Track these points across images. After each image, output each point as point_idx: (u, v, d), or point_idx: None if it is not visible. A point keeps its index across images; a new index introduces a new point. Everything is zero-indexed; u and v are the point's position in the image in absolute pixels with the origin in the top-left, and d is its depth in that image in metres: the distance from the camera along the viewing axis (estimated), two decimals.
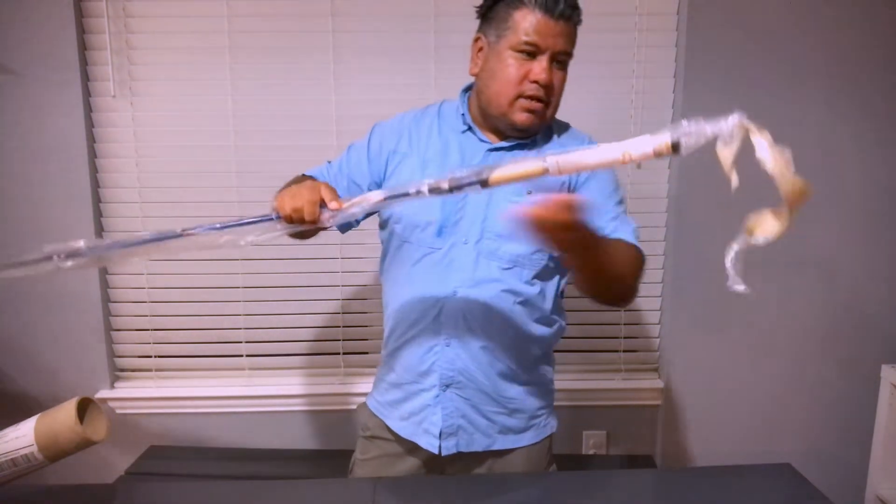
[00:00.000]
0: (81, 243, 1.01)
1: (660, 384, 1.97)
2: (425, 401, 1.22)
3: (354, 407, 1.94)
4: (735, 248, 0.83)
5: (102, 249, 1.02)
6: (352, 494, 1.16)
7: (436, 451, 1.22)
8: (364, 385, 1.94)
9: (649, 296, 1.96)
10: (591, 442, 2.01)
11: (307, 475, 1.77)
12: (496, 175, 0.88)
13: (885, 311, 1.91)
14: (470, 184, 0.90)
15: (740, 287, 0.82)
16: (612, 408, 2.00)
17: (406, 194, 0.95)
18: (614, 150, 0.83)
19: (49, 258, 1.01)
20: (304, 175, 1.28)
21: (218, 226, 1.00)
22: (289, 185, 1.19)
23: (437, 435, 1.21)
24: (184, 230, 1.00)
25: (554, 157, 0.85)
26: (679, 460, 1.98)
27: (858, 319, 1.92)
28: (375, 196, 0.97)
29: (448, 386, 1.21)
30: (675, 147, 0.80)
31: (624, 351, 1.98)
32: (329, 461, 1.91)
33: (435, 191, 0.92)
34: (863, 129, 1.82)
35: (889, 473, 1.77)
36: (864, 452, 1.84)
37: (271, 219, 1.01)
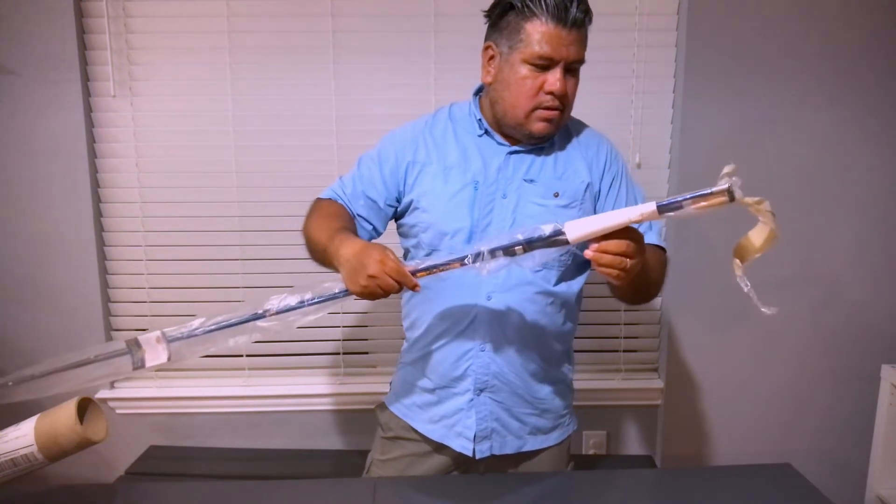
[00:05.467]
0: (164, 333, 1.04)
1: (660, 384, 1.97)
2: (458, 405, 1.23)
3: (354, 407, 1.94)
4: (741, 276, 0.94)
5: (184, 337, 1.04)
6: (352, 494, 1.16)
7: (469, 454, 1.23)
8: (363, 385, 1.95)
9: None
10: (591, 442, 2.01)
11: (307, 475, 1.77)
12: (577, 234, 0.96)
13: (885, 311, 1.91)
14: (543, 241, 0.97)
15: (769, 309, 0.93)
16: (612, 408, 2.00)
17: (472, 263, 0.99)
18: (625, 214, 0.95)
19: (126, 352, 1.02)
20: (319, 199, 1.26)
21: (296, 304, 1.03)
22: (316, 220, 1.18)
23: (471, 438, 1.22)
24: (266, 311, 1.03)
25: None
26: (679, 460, 1.98)
27: (858, 320, 1.92)
28: (453, 264, 1.01)
29: (482, 390, 1.21)
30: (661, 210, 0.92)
31: (624, 351, 1.98)
32: (329, 461, 1.91)
33: (509, 254, 0.98)
34: (866, 130, 1.82)
35: (889, 473, 1.77)
36: (864, 452, 1.84)
37: (346, 294, 1.03)
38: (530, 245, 0.97)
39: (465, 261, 1.00)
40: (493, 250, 0.99)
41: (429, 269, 1.02)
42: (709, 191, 0.88)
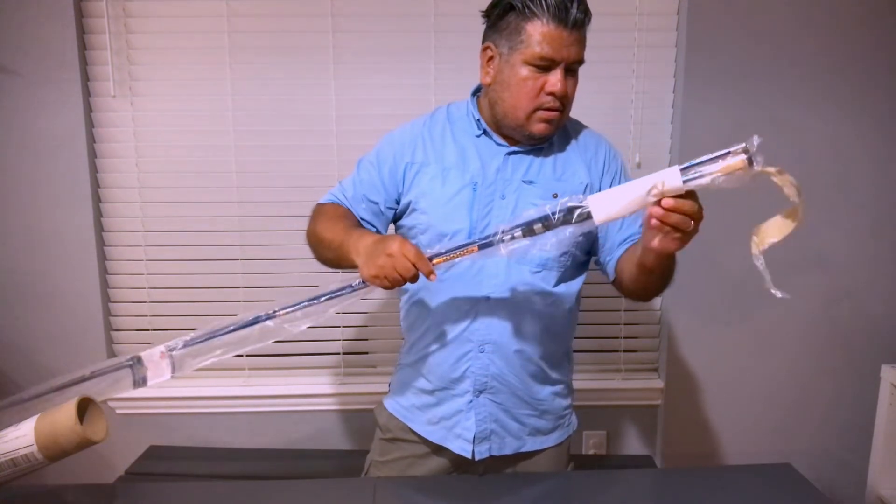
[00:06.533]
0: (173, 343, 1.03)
1: (660, 384, 1.96)
2: (458, 406, 1.23)
3: (354, 407, 1.95)
4: (756, 253, 0.91)
5: (191, 343, 1.03)
6: (352, 494, 1.16)
7: (468, 456, 1.23)
8: (363, 385, 1.95)
9: None
10: (591, 442, 2.01)
11: (307, 475, 1.77)
12: (603, 210, 0.93)
13: (886, 311, 1.91)
14: (563, 215, 0.94)
15: (779, 293, 0.90)
16: (612, 408, 2.00)
17: (490, 244, 0.98)
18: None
19: (127, 366, 1.03)
20: (321, 204, 1.27)
21: (306, 303, 1.02)
22: (325, 222, 1.18)
23: (471, 440, 1.22)
24: (274, 311, 1.02)
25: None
26: (679, 460, 1.98)
27: (858, 319, 1.92)
28: (470, 248, 1.00)
29: (482, 392, 1.21)
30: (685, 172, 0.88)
31: (624, 351, 1.98)
32: (329, 461, 1.91)
33: (528, 234, 0.96)
34: (867, 128, 1.82)
35: (889, 473, 1.76)
36: (864, 452, 1.83)
37: (362, 286, 1.02)
38: (550, 222, 0.94)
39: (483, 242, 0.98)
40: (510, 229, 0.97)
41: (448, 254, 1.00)
42: (727, 150, 0.85)
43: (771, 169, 0.86)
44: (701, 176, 0.86)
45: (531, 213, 0.96)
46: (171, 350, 1.02)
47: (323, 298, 1.02)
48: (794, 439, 1.97)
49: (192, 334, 1.03)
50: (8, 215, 1.83)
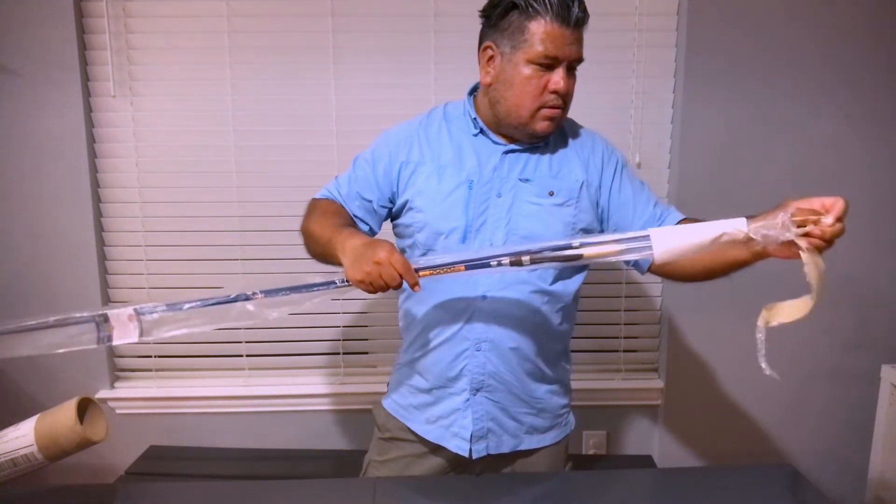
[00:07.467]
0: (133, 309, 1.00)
1: (660, 384, 1.97)
2: (455, 405, 1.23)
3: (354, 407, 1.95)
4: (761, 329, 0.98)
5: (157, 311, 1.00)
6: (352, 494, 1.16)
7: (466, 455, 1.23)
8: (363, 385, 1.95)
9: (649, 296, 1.96)
10: (591, 442, 2.01)
11: (307, 475, 1.77)
12: (590, 252, 0.96)
13: (885, 311, 1.91)
14: (554, 259, 0.97)
15: (772, 373, 0.96)
16: (612, 408, 2.00)
17: (487, 265, 0.99)
18: (711, 229, 0.93)
19: (90, 321, 0.99)
20: (316, 199, 1.27)
21: (286, 291, 1.02)
22: (318, 217, 1.18)
23: (468, 438, 1.22)
24: (254, 293, 1.01)
25: (659, 234, 0.94)
26: (679, 460, 1.98)
27: (858, 319, 1.91)
28: (457, 267, 1.01)
29: (478, 390, 1.21)
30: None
31: (624, 351, 1.98)
32: (329, 461, 1.91)
33: (516, 263, 0.98)
34: (867, 129, 1.82)
35: (889, 473, 1.77)
36: (864, 452, 1.84)
37: (344, 285, 1.02)
38: (540, 255, 0.97)
39: (472, 263, 0.99)
40: (497, 256, 0.99)
41: (434, 269, 1.01)
42: (782, 219, 0.91)
43: (803, 244, 0.91)
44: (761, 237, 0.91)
45: (557, 241, 0.98)
46: (141, 314, 0.99)
47: (304, 290, 1.02)
48: (794, 439, 1.97)
49: (165, 302, 1.00)
50: (8, 215, 1.83)
